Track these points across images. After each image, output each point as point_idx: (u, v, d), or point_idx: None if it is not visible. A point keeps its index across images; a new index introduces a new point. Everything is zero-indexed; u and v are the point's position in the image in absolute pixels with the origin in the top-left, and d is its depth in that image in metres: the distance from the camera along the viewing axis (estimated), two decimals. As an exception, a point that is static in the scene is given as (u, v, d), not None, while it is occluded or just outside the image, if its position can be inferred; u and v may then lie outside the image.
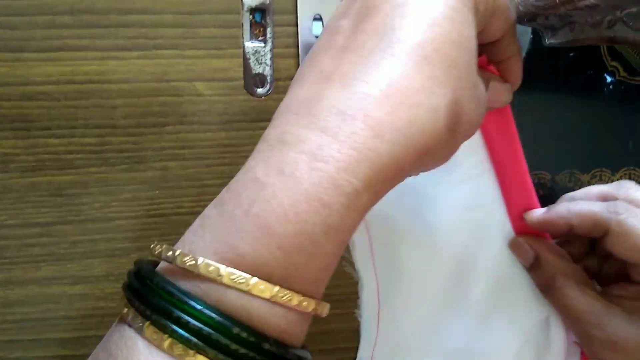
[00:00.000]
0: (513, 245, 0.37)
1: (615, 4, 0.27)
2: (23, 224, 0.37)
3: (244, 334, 0.21)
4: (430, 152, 0.24)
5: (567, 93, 0.43)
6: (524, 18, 0.33)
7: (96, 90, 0.37)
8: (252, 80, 0.39)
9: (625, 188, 0.35)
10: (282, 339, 0.23)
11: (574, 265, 0.35)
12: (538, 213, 0.36)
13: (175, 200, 0.38)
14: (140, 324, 0.22)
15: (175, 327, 0.21)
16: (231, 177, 0.38)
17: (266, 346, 0.22)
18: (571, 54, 0.42)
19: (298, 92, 0.25)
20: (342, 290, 0.39)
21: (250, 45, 0.38)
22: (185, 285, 0.22)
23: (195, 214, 0.38)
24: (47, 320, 0.38)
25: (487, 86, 0.29)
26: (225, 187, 0.24)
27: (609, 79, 0.44)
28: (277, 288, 0.22)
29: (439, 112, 0.24)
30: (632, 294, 0.34)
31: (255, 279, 0.22)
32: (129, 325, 0.22)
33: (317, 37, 0.39)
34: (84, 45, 0.36)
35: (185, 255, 0.22)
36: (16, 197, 0.37)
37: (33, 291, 0.37)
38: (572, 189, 0.43)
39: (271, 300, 0.22)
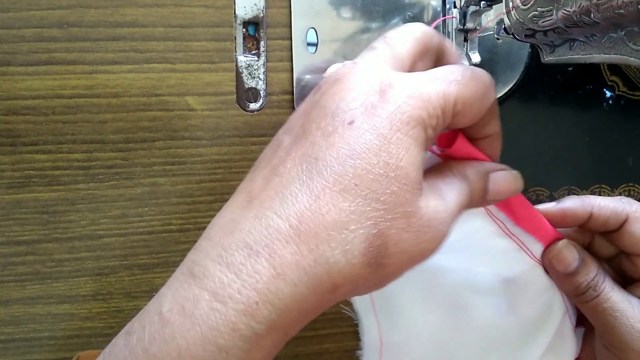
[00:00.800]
0: (558, 252, 0.34)
1: (616, 22, 0.26)
2: (8, 241, 0.36)
3: None
4: (348, 289, 0.23)
5: (566, 108, 0.43)
6: (522, 34, 0.33)
7: (85, 105, 0.36)
8: (245, 94, 0.38)
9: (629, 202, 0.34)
10: None
11: (604, 268, 0.35)
12: (553, 204, 0.34)
13: (165, 217, 0.37)
14: None
15: None
16: (222, 194, 0.38)
17: None
18: (570, 69, 0.42)
19: (226, 212, 0.24)
20: (335, 309, 0.39)
21: (243, 59, 0.38)
22: None
23: (185, 231, 0.38)
24: (31, 341, 0.37)
25: (483, 179, 0.28)
26: (140, 312, 0.24)
27: (608, 93, 0.43)
28: None
29: (354, 249, 0.23)
30: None
31: None
32: None
33: (311, 51, 0.38)
34: (73, 59, 0.35)
35: None
36: (1, 214, 0.36)
37: (18, 311, 0.36)
38: (571, 206, 0.42)
39: None
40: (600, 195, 0.44)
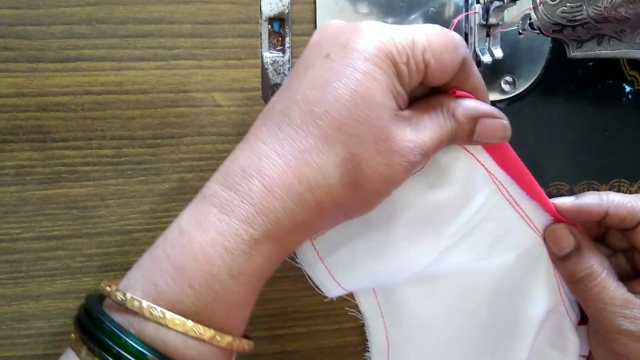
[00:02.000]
0: (551, 232, 0.36)
1: (648, 17, 0.27)
2: (38, 237, 0.36)
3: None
4: (334, 207, 0.27)
5: (585, 102, 0.43)
6: (549, 29, 0.33)
7: (113, 101, 0.36)
8: (271, 90, 0.38)
9: None
10: None
11: (608, 260, 0.35)
12: (571, 199, 0.35)
13: (192, 212, 0.38)
14: (79, 349, 0.26)
15: (102, 352, 0.25)
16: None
17: None
18: (590, 63, 0.42)
19: (232, 152, 0.29)
20: (334, 305, 0.39)
21: (268, 55, 0.38)
22: (118, 317, 0.26)
23: (213, 226, 0.38)
24: (62, 335, 0.37)
25: (472, 121, 0.30)
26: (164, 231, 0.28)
27: (627, 88, 0.43)
28: (190, 322, 0.25)
29: (330, 170, 0.26)
30: None
31: (170, 314, 0.25)
32: (72, 348, 0.26)
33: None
34: (101, 56, 0.36)
35: (119, 291, 0.26)
36: (32, 209, 0.36)
37: (49, 305, 0.37)
38: (591, 200, 0.43)
39: (185, 334, 0.25)
40: (619, 190, 0.44)
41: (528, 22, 0.35)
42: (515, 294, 0.36)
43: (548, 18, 0.32)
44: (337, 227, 0.32)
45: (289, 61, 0.38)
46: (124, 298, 0.26)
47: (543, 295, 0.35)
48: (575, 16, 0.30)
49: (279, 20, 0.38)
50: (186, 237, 0.26)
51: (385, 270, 0.33)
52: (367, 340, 0.39)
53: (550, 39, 0.41)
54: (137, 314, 0.25)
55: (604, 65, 0.42)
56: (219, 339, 0.26)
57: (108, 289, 0.27)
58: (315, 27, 0.38)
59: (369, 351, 0.39)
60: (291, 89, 0.28)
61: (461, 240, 0.34)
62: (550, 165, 0.43)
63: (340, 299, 0.38)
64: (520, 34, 0.39)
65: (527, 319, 0.35)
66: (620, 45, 0.30)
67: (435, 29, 0.29)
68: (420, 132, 0.28)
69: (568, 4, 0.31)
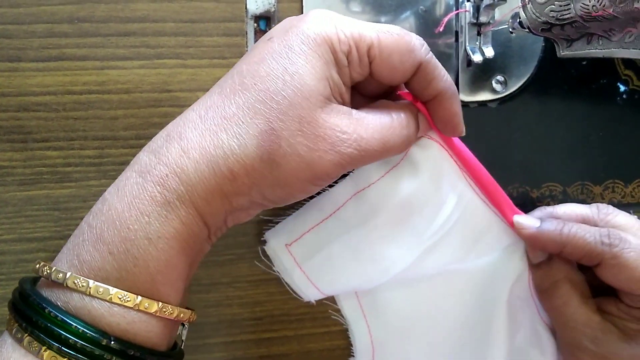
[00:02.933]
0: (532, 237, 0.35)
1: (636, 16, 0.26)
2: (19, 238, 0.36)
3: (84, 331, 0.25)
4: (248, 180, 0.27)
5: (579, 102, 0.42)
6: (538, 28, 0.32)
7: (96, 101, 0.35)
8: (256, 90, 0.38)
9: (605, 213, 0.35)
10: (126, 338, 0.26)
11: (580, 275, 0.35)
12: (529, 225, 0.35)
13: (176, 213, 0.37)
14: (11, 325, 0.26)
15: (28, 326, 0.25)
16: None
17: (103, 342, 0.25)
18: (584, 63, 0.41)
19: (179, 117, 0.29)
20: (321, 308, 0.39)
21: (254, 54, 0.37)
22: (46, 292, 0.26)
23: (198, 228, 0.37)
24: (44, 338, 0.37)
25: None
26: None
27: (622, 87, 0.42)
28: (113, 289, 0.25)
29: (247, 140, 0.26)
30: (625, 314, 0.34)
31: (93, 282, 0.25)
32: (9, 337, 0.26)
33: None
34: (84, 55, 0.35)
35: (46, 266, 0.26)
36: (13, 211, 0.35)
37: (30, 308, 0.36)
38: (585, 202, 0.42)
39: (110, 301, 0.25)
40: (614, 190, 0.43)
41: (518, 20, 0.34)
42: (493, 291, 0.36)
43: (536, 16, 0.32)
44: (313, 230, 0.31)
45: (275, 60, 0.38)
46: (49, 272, 0.26)
47: (512, 284, 0.35)
48: (563, 15, 0.30)
49: (265, 19, 0.38)
50: (105, 205, 0.27)
51: (364, 273, 0.33)
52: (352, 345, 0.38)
53: (542, 37, 0.40)
54: (62, 285, 0.26)
55: (598, 64, 0.41)
56: (146, 305, 0.26)
57: (37, 266, 0.27)
58: (302, 25, 0.37)
59: (353, 356, 0.38)
60: (235, 68, 0.29)
61: (440, 241, 0.33)
62: (544, 166, 0.42)
63: (327, 301, 0.38)
64: (511, 32, 0.38)
65: (501, 309, 0.35)
66: (609, 44, 0.29)
67: (393, 29, 0.29)
68: (359, 127, 0.28)
69: (556, 3, 0.30)
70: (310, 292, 0.34)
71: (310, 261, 0.33)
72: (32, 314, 0.25)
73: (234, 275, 0.38)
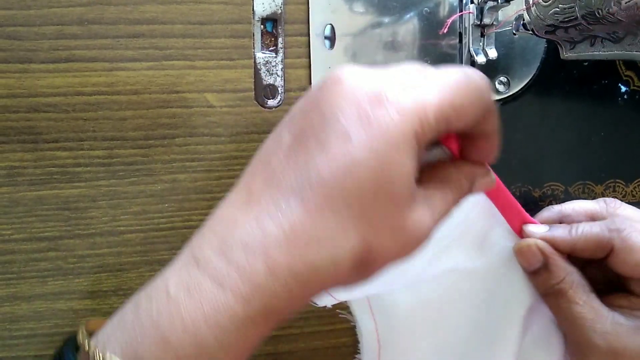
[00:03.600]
0: (519, 249, 0.36)
1: (639, 20, 0.27)
2: (30, 238, 0.36)
3: None
4: (335, 286, 0.26)
5: (581, 103, 0.43)
6: (542, 31, 0.33)
7: (105, 102, 0.36)
8: (263, 91, 0.38)
9: (612, 207, 0.35)
10: None
11: (580, 273, 0.35)
12: (539, 231, 0.35)
13: (184, 213, 0.38)
14: None
15: None
16: (241, 190, 0.38)
17: None
18: (585, 64, 0.42)
19: (227, 207, 0.26)
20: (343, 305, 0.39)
21: (261, 55, 0.38)
22: None
23: (205, 227, 0.38)
24: (54, 336, 0.37)
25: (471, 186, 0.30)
26: (145, 287, 0.26)
27: (623, 88, 0.43)
28: None
29: (341, 258, 0.25)
30: (635, 304, 0.34)
31: None
32: None
33: (328, 46, 0.38)
34: (93, 56, 0.35)
35: (97, 350, 0.24)
36: (23, 210, 0.36)
37: (40, 306, 0.37)
38: (587, 201, 0.42)
39: None
40: (615, 190, 0.44)
41: (522, 22, 0.34)
42: (502, 292, 0.36)
43: (541, 19, 0.32)
44: None
45: (281, 61, 0.38)
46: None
47: (526, 290, 0.35)
48: (567, 17, 0.30)
49: (271, 21, 0.38)
50: (174, 306, 0.24)
51: (378, 280, 0.33)
52: (359, 342, 0.39)
53: (545, 39, 0.40)
54: None
55: (599, 65, 0.42)
56: None
57: (86, 346, 0.25)
58: (308, 27, 0.38)
59: (359, 353, 0.39)
60: (305, 164, 0.25)
61: (451, 244, 0.34)
62: (545, 166, 0.43)
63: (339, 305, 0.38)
64: (514, 34, 0.39)
65: (512, 314, 0.36)
66: (612, 47, 0.30)
67: (463, 78, 0.26)
68: (431, 209, 0.27)
69: (560, 5, 0.30)
70: (324, 299, 0.35)
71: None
72: None
73: (241, 274, 0.39)
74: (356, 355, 0.40)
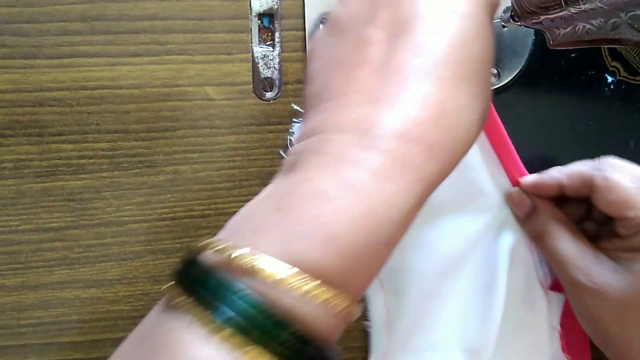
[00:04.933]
0: (510, 197, 0.38)
1: (620, 6, 0.28)
2: (37, 228, 0.37)
3: (294, 335, 0.22)
4: (466, 153, 0.27)
5: (568, 93, 0.44)
6: (529, 21, 0.34)
7: (108, 96, 0.37)
8: (261, 84, 0.39)
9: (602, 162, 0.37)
10: (325, 340, 0.23)
11: (565, 215, 0.37)
12: (531, 177, 0.38)
13: (186, 203, 0.39)
14: (196, 314, 0.22)
15: (229, 315, 0.21)
16: (241, 180, 0.39)
17: (309, 350, 0.22)
18: (572, 55, 0.43)
19: (344, 113, 0.25)
20: None
21: (259, 49, 0.39)
22: (245, 282, 0.22)
23: (206, 216, 0.39)
24: (60, 324, 0.38)
25: None
26: (278, 191, 0.25)
27: (609, 79, 0.44)
28: (332, 292, 0.22)
29: (475, 124, 0.26)
30: (619, 247, 0.35)
31: (315, 282, 0.22)
32: (178, 313, 0.22)
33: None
34: (96, 52, 0.37)
35: (246, 254, 0.22)
36: (30, 202, 0.37)
37: (47, 295, 0.38)
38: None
39: (323, 304, 0.22)
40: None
41: (510, 14, 0.36)
42: (494, 250, 0.38)
43: (528, 9, 0.33)
44: None
45: (278, 55, 0.39)
46: (255, 263, 0.22)
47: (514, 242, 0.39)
48: (552, 5, 0.32)
49: (268, 16, 0.39)
50: (338, 203, 0.23)
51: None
52: (366, 315, 0.39)
53: (533, 31, 0.42)
54: (269, 279, 0.22)
55: (586, 56, 0.43)
56: (351, 310, 0.24)
57: (227, 252, 0.22)
58: (304, 22, 0.39)
59: (368, 320, 0.39)
60: (421, 45, 0.25)
61: (452, 199, 0.36)
62: (534, 155, 0.44)
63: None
64: (503, 26, 0.40)
65: (501, 268, 0.38)
66: (594, 32, 0.31)
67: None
68: None
69: (546, -5, 0.32)
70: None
71: None
72: (235, 302, 0.21)
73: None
74: (364, 322, 0.40)
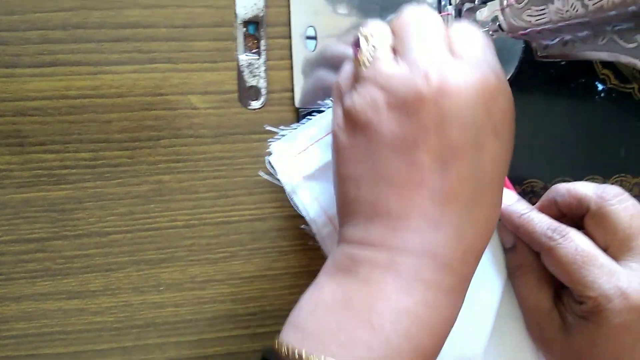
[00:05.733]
0: (500, 228, 0.38)
1: (608, 20, 0.27)
2: (18, 239, 0.37)
3: None
4: None
5: (559, 101, 0.44)
6: (516, 32, 0.34)
7: (90, 105, 0.36)
8: (247, 92, 0.39)
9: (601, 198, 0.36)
10: None
11: (541, 262, 0.37)
12: (505, 203, 0.38)
13: (170, 213, 0.38)
14: None
15: None
16: (226, 190, 0.39)
17: None
18: (563, 63, 0.43)
19: (412, 237, 0.27)
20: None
21: (244, 57, 0.38)
22: None
23: (191, 226, 0.39)
24: (43, 336, 0.38)
25: None
26: (351, 300, 0.27)
27: (600, 86, 0.44)
28: None
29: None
30: (568, 306, 0.35)
31: None
32: None
33: (310, 48, 0.39)
34: (78, 60, 0.36)
35: None
36: (11, 212, 0.36)
37: (29, 307, 0.37)
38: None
39: None
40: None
41: (497, 24, 0.35)
42: (490, 262, 0.38)
43: (514, 20, 0.33)
44: (318, 143, 0.36)
45: (264, 63, 0.39)
46: None
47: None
48: (540, 19, 0.31)
49: (254, 23, 0.39)
50: (419, 319, 0.27)
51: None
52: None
53: (523, 39, 0.41)
54: None
55: (576, 64, 0.43)
56: None
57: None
58: (290, 29, 0.39)
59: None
60: (473, 169, 0.28)
61: None
62: (524, 162, 0.44)
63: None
64: (491, 35, 0.40)
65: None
66: (583, 46, 0.31)
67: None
68: None
69: (532, 7, 0.31)
70: (312, 207, 0.36)
71: (313, 173, 0.36)
72: None
73: (228, 272, 0.39)
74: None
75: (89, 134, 0.37)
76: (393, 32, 0.30)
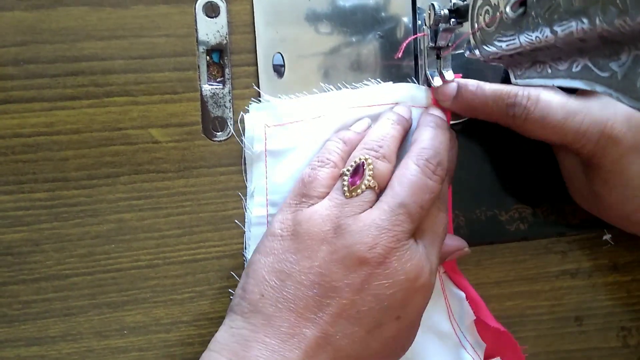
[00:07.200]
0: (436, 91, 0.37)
1: (579, 48, 0.25)
2: (-27, 285, 0.35)
3: None
4: None
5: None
6: (488, 56, 0.31)
7: (45, 143, 0.35)
8: (211, 123, 0.37)
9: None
10: None
11: None
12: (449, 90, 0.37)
13: (132, 253, 0.36)
14: None
15: None
16: (191, 226, 0.37)
17: None
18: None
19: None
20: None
21: (208, 87, 0.37)
22: None
23: (154, 266, 0.37)
24: (1, 385, 0.36)
25: None
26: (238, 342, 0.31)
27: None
28: None
29: None
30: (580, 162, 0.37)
31: None
32: None
33: (277, 76, 0.37)
34: (31, 97, 0.34)
35: None
36: (-36, 258, 0.35)
37: (-14, 355, 0.36)
38: (555, 223, 0.41)
39: None
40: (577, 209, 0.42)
41: (470, 46, 0.33)
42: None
43: (486, 44, 0.31)
44: (298, 124, 0.37)
45: (229, 93, 0.37)
46: None
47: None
48: (510, 44, 0.29)
49: (217, 51, 0.37)
50: None
51: None
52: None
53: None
54: None
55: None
56: None
57: None
58: (256, 56, 0.37)
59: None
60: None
61: None
62: (512, 188, 0.41)
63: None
64: (466, 56, 0.37)
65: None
66: (558, 72, 0.28)
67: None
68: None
69: (502, 32, 0.29)
70: (258, 182, 0.36)
71: (277, 151, 0.36)
72: None
73: (195, 313, 0.37)
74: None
75: (45, 173, 0.35)
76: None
